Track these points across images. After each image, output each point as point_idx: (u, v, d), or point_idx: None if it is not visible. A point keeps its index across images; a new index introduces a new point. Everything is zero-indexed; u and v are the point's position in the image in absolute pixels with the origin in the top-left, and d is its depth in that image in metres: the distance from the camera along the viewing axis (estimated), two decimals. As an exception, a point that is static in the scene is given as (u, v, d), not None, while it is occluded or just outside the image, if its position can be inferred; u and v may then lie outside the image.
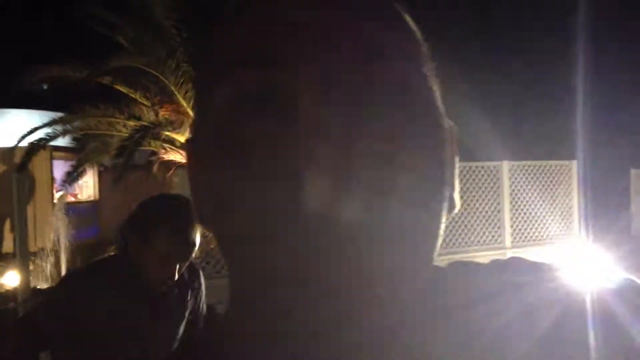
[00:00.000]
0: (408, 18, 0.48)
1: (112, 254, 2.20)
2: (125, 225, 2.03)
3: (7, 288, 7.84)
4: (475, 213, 8.56)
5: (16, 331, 1.98)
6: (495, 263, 0.54)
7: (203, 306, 2.32)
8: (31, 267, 7.66)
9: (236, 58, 0.44)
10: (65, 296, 1.98)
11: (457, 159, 0.51)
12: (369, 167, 0.40)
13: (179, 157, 8.06)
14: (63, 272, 8.16)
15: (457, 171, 0.51)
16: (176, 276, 1.98)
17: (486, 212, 8.67)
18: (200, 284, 2.30)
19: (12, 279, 7.67)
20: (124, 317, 1.90)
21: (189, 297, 2.21)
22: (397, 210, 0.41)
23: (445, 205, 0.46)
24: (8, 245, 9.19)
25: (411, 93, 0.44)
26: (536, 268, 0.53)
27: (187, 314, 2.19)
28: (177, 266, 1.96)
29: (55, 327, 1.92)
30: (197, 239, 1.98)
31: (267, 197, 0.40)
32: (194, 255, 2.02)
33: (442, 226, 0.46)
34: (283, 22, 0.43)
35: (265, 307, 0.43)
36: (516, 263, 0.54)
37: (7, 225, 9.60)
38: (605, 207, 9.93)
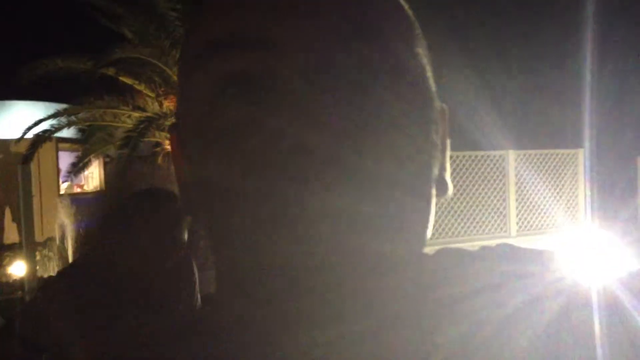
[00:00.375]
0: None
1: (92, 251, 2.08)
2: (105, 223, 1.93)
3: (15, 277, 7.93)
4: (480, 202, 8.55)
5: (12, 345, 1.88)
6: (487, 250, 0.53)
7: (197, 296, 2.21)
8: (38, 257, 7.74)
9: (221, 39, 0.42)
10: (46, 305, 1.85)
11: (448, 140, 0.50)
12: (361, 150, 0.39)
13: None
14: (69, 261, 8.22)
15: (448, 153, 0.50)
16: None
17: (492, 200, 8.66)
18: (192, 275, 2.18)
19: (19, 268, 7.75)
20: (110, 315, 1.78)
21: (180, 290, 2.09)
22: (387, 194, 0.40)
23: (434, 187, 0.46)
24: (15, 236, 9.26)
25: (402, 73, 0.42)
26: (539, 257, 0.52)
27: (179, 307, 2.08)
28: (163, 266, 1.87)
29: (43, 339, 1.81)
30: (185, 237, 1.90)
31: (257, 185, 0.39)
32: (181, 253, 1.92)
33: (432, 208, 0.45)
34: (271, 1, 0.42)
35: (258, 295, 0.42)
36: (518, 251, 0.53)
37: (14, 216, 9.66)
38: (611, 195, 9.91)
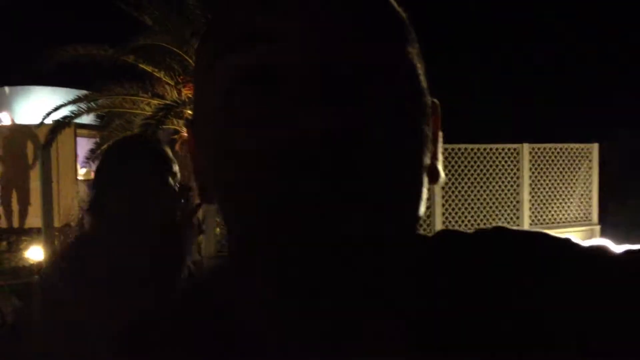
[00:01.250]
0: (393, 2, 0.50)
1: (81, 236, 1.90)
2: (103, 190, 1.72)
3: (32, 262, 8.02)
4: (494, 195, 8.55)
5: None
6: (482, 232, 0.57)
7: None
8: (56, 242, 7.80)
9: (237, 37, 0.45)
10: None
11: (440, 133, 0.54)
12: (359, 140, 0.42)
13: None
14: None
15: (440, 144, 0.54)
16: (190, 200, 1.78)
17: (505, 194, 8.65)
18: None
19: (36, 253, 7.85)
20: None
21: (191, 238, 1.94)
22: (382, 180, 0.43)
23: (425, 174, 0.49)
24: (33, 221, 9.34)
25: (394, 71, 0.46)
26: (561, 246, 0.53)
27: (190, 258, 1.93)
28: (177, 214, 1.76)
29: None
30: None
31: (271, 179, 0.42)
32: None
33: (424, 193, 0.49)
34: (284, 2, 0.45)
35: (275, 280, 0.45)
36: (541, 240, 0.54)
37: (33, 201, 9.75)
38: (625, 190, 9.87)
